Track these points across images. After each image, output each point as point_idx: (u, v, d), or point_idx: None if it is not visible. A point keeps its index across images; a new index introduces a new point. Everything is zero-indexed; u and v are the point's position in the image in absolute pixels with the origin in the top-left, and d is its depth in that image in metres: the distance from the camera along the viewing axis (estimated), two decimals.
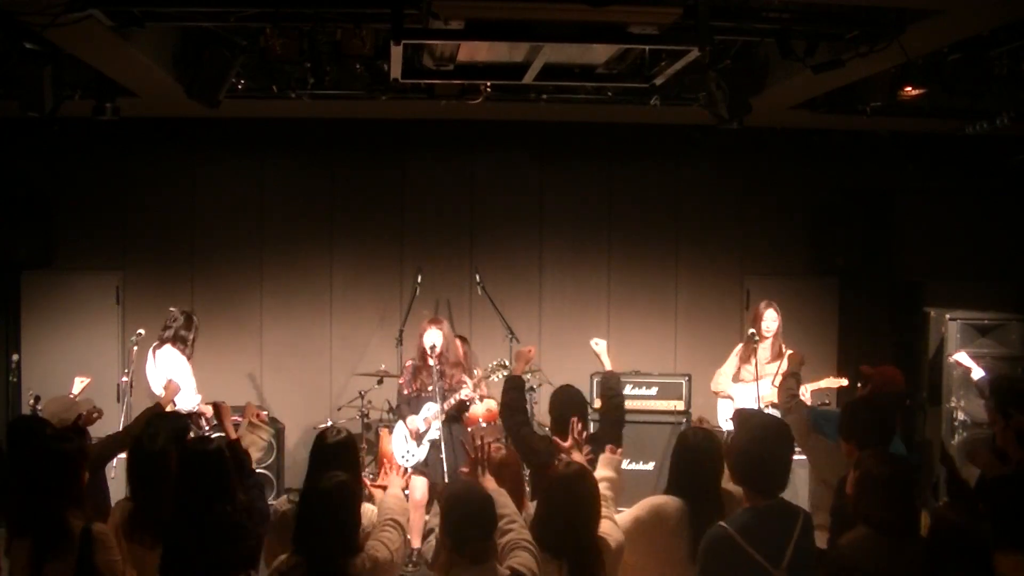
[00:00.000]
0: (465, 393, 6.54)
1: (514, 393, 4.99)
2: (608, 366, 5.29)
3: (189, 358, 6.73)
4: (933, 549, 3.16)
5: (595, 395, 7.28)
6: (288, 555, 3.39)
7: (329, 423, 7.67)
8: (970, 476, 4.62)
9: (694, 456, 3.79)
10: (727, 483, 3.90)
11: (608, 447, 4.16)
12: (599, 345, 5.43)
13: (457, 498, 3.28)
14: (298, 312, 8.60)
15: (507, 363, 6.80)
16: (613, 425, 4.97)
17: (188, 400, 6.50)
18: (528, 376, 7.02)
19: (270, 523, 3.97)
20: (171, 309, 6.88)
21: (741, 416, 4.54)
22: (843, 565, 3.30)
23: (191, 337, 6.73)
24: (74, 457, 3.79)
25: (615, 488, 3.94)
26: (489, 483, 3.54)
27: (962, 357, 6.91)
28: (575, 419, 4.16)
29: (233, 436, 4.29)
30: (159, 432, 4.03)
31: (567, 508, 3.40)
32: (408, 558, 6.38)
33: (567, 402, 4.66)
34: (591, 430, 4.95)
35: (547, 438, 4.65)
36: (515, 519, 3.34)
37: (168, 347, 6.70)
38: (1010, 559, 3.20)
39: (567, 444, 4.08)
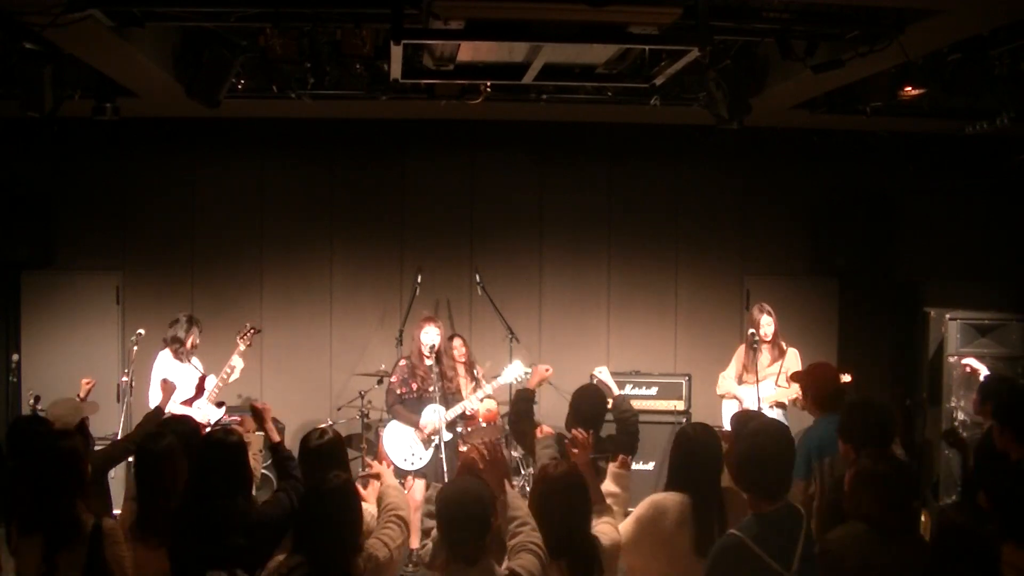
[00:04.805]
0: (470, 408, 6.66)
1: (523, 404, 5.28)
2: (616, 391, 5.48)
3: (184, 360, 6.72)
4: (939, 550, 3.16)
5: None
6: (287, 555, 3.36)
7: (328, 423, 7.66)
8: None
9: (693, 450, 3.77)
10: (727, 481, 3.89)
11: (620, 458, 4.16)
12: (602, 372, 5.64)
13: (450, 500, 3.26)
14: (298, 312, 8.61)
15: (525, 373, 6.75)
16: (628, 436, 5.16)
17: (211, 412, 6.57)
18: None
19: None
20: (179, 315, 6.92)
21: (739, 420, 4.53)
22: (833, 556, 3.32)
23: (187, 339, 6.73)
24: (78, 453, 3.88)
25: (620, 505, 3.96)
26: (507, 487, 3.53)
27: (971, 361, 6.87)
28: (574, 434, 4.26)
29: (276, 439, 4.36)
30: (166, 434, 4.12)
31: (559, 508, 3.42)
32: (407, 558, 6.38)
33: (586, 400, 4.90)
34: (603, 431, 5.08)
35: (535, 422, 5.05)
36: (527, 521, 3.33)
37: (164, 351, 6.73)
38: (1018, 553, 3.21)
39: (575, 455, 4.12)
